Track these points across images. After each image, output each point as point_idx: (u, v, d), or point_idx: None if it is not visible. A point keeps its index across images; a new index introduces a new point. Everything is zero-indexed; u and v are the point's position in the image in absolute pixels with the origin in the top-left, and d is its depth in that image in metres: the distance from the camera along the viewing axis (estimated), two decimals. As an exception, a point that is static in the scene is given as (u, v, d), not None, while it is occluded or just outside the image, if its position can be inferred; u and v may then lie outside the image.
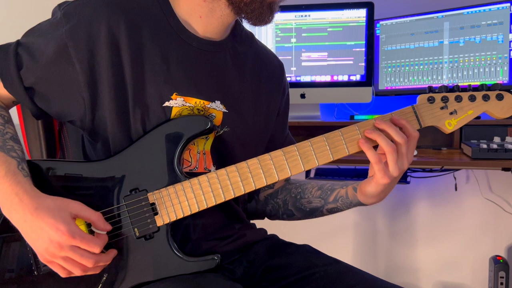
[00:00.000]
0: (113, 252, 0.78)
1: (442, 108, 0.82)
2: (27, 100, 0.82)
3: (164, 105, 0.82)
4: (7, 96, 0.83)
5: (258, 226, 1.02)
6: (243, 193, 0.80)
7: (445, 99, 0.82)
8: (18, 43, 0.83)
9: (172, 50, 0.84)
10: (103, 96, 0.80)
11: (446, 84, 1.63)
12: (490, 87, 0.82)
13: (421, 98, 0.82)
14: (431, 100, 0.82)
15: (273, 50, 1.74)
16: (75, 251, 0.72)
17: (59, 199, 0.74)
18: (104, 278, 0.79)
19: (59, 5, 0.82)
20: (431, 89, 0.83)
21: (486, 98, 0.81)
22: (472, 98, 0.82)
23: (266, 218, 1.07)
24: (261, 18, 0.84)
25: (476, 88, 0.83)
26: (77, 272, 0.74)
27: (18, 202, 0.72)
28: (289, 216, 1.00)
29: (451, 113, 0.82)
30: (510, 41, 1.55)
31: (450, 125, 0.82)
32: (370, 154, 0.78)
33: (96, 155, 0.88)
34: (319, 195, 0.95)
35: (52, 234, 0.70)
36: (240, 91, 0.91)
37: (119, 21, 0.80)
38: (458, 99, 0.82)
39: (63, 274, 0.75)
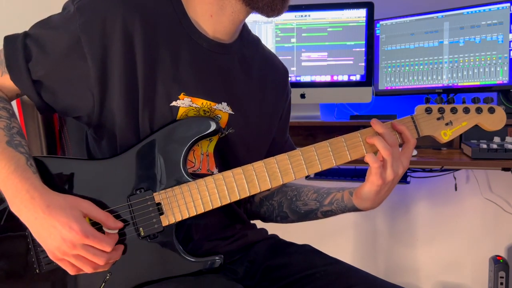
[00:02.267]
0: (121, 248, 0.78)
1: (438, 119, 0.86)
2: (34, 94, 0.81)
3: (171, 104, 0.82)
4: (12, 88, 0.82)
5: (258, 226, 1.02)
6: (248, 195, 0.81)
7: (441, 111, 0.86)
8: (26, 34, 0.81)
9: (182, 51, 0.84)
10: (113, 93, 0.80)
11: (444, 86, 1.64)
12: (484, 99, 0.87)
13: (419, 109, 0.86)
14: (428, 111, 0.86)
15: (273, 50, 1.74)
16: (87, 250, 0.72)
17: (70, 197, 0.74)
18: (108, 277, 0.79)
19: (72, 0, 0.81)
20: (428, 100, 0.87)
21: (479, 111, 0.86)
22: (466, 111, 0.86)
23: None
24: (273, 7, 0.83)
25: (474, 92, 0.87)
26: (87, 270, 0.74)
27: (29, 199, 0.71)
28: (283, 218, 1.00)
29: (446, 124, 0.86)
30: (510, 41, 1.55)
31: (445, 135, 0.86)
32: (368, 156, 0.80)
33: (100, 152, 0.87)
34: (315, 197, 0.95)
35: (65, 232, 0.70)
36: (247, 94, 0.92)
37: (134, 18, 0.79)
38: (454, 111, 0.86)
39: (72, 272, 0.74)
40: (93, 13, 0.78)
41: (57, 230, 0.70)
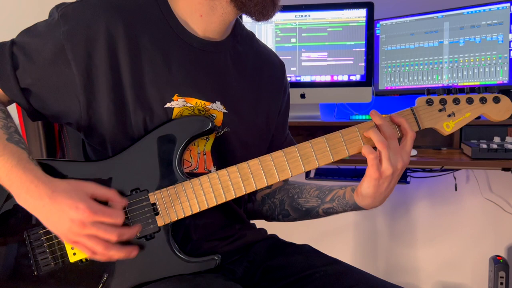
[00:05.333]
0: (137, 227, 0.77)
1: (440, 110, 0.83)
2: (23, 101, 0.82)
3: (166, 106, 0.82)
4: (2, 95, 0.83)
5: (258, 226, 1.02)
6: (244, 193, 0.80)
7: (443, 102, 0.83)
8: (13, 42, 0.82)
9: (172, 51, 0.84)
10: (100, 99, 0.80)
11: (444, 86, 1.64)
12: (487, 89, 0.83)
13: (420, 101, 0.83)
14: (429, 102, 0.83)
15: (273, 50, 1.74)
16: (98, 227, 0.71)
17: (73, 181, 0.74)
18: (105, 278, 0.79)
19: (57, 6, 0.81)
20: (429, 92, 0.84)
21: (483, 100, 0.83)
22: (470, 101, 0.83)
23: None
24: (264, 12, 0.83)
25: (473, 89, 0.83)
26: (100, 250, 0.73)
27: (35, 189, 0.72)
28: (284, 216, 0.99)
29: (449, 115, 0.83)
30: (510, 41, 1.55)
31: (448, 127, 0.83)
32: (364, 148, 0.79)
33: (95, 156, 0.88)
34: (317, 194, 0.94)
35: (73, 213, 0.70)
36: (241, 91, 0.91)
37: (117, 24, 0.80)
38: (456, 101, 0.83)
39: (88, 254, 0.74)
40: (77, 21, 0.79)
41: (65, 213, 0.70)
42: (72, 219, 0.70)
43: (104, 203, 0.75)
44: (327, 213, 0.93)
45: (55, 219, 0.72)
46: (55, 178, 0.74)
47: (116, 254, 0.74)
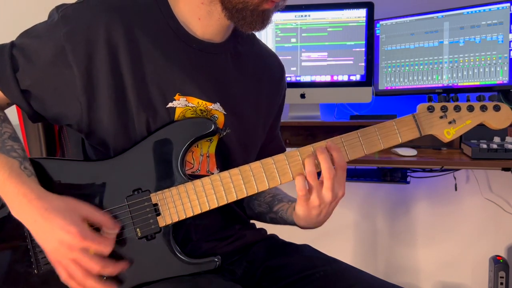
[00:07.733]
0: (122, 264, 0.77)
1: (441, 117, 0.84)
2: (24, 103, 0.81)
3: (168, 106, 0.82)
4: (2, 97, 0.82)
5: (258, 226, 1.02)
6: (245, 195, 0.80)
7: (444, 109, 0.84)
8: (12, 44, 0.81)
9: (172, 52, 0.84)
10: (101, 100, 0.80)
11: (444, 86, 1.64)
12: (490, 97, 0.85)
13: (421, 107, 0.84)
14: (430, 109, 0.84)
15: (273, 50, 1.74)
16: (84, 253, 0.72)
17: (68, 200, 0.74)
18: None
19: (57, 8, 0.81)
20: (430, 99, 0.85)
21: (483, 108, 0.84)
22: (471, 109, 0.84)
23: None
24: (252, 26, 0.83)
25: (472, 89, 0.85)
26: (78, 277, 0.73)
27: (27, 203, 0.72)
28: (243, 211, 1.01)
29: (450, 123, 0.84)
30: (510, 41, 1.55)
31: (448, 134, 0.84)
32: (297, 179, 0.79)
33: (96, 156, 0.88)
34: (269, 202, 0.96)
35: (63, 235, 0.71)
36: (241, 92, 0.91)
37: (117, 25, 0.79)
38: (457, 109, 0.84)
39: (63, 276, 0.75)
40: (77, 22, 0.78)
41: (55, 233, 0.71)
42: (60, 241, 0.71)
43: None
44: (272, 222, 0.95)
45: (44, 237, 0.73)
46: (49, 193, 0.74)
47: (93, 285, 0.74)
